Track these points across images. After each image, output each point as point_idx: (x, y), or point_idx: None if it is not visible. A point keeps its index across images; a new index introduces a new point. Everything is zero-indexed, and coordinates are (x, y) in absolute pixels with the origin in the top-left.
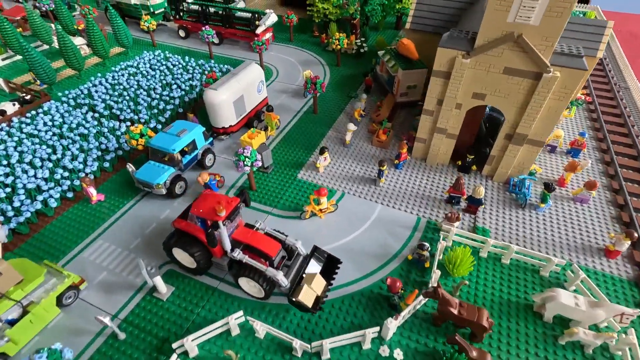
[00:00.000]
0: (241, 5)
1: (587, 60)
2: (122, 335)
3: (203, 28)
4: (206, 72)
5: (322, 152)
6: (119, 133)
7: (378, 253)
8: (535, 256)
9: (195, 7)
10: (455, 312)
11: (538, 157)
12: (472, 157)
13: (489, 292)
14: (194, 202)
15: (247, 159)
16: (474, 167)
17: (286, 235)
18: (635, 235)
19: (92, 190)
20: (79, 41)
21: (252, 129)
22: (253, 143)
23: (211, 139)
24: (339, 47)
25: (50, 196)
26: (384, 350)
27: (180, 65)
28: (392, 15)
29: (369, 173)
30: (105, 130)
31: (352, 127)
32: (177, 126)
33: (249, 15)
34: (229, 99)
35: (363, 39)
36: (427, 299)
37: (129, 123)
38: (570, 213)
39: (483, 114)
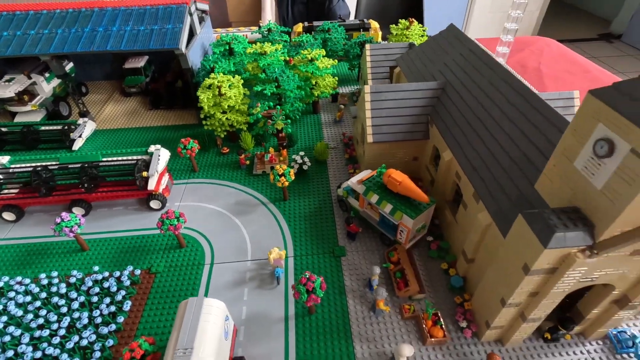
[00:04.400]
0: (89, 129)
1: None
2: None
3: (60, 219)
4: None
5: None
6: None
7: None
8: None
9: (24, 169)
10: None
11: None
12: (564, 331)
13: None
14: None
15: None
16: (568, 337)
17: None
18: None
19: None
20: None
21: None
22: None
23: None
24: (287, 183)
25: None
26: None
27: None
28: (309, 104)
29: None
30: None
31: (407, 351)
32: None
33: (131, 161)
34: None
35: (302, 153)
36: None
37: None
38: None
39: None
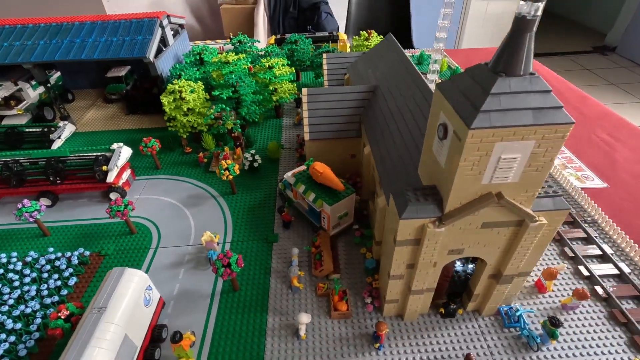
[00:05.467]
0: (68, 131)
1: None
2: None
3: (21, 205)
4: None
5: None
6: None
7: None
8: None
9: None
10: None
11: None
12: (455, 306)
13: None
14: None
15: None
16: (460, 311)
17: None
18: None
19: None
20: None
21: None
22: None
23: None
24: (230, 177)
25: None
26: None
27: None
28: (270, 107)
29: None
30: None
31: (305, 318)
32: None
33: (90, 157)
34: None
35: (253, 151)
36: None
37: None
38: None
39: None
